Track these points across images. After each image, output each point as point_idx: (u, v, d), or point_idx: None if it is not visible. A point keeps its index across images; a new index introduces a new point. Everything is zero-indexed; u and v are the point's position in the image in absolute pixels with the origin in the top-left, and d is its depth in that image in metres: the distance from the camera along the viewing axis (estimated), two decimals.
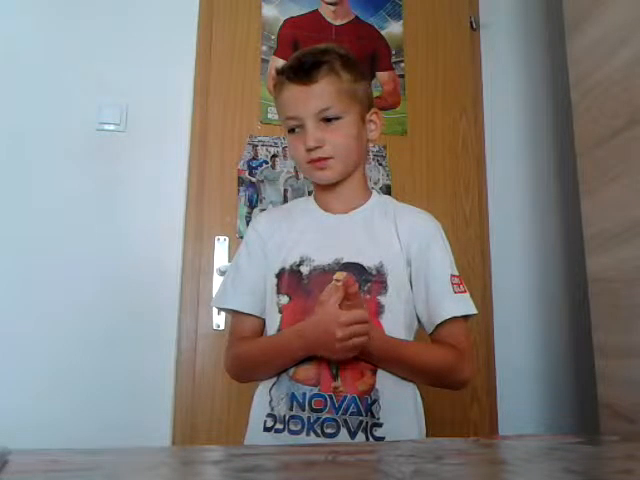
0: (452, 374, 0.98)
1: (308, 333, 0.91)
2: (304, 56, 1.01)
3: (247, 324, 1.04)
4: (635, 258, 1.31)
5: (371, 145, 1.08)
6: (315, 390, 0.93)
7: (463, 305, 0.99)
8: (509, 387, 1.81)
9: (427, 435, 1.00)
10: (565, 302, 1.93)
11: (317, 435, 0.91)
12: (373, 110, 1.05)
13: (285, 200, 1.75)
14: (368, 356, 0.92)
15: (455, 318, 0.97)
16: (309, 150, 0.98)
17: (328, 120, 0.98)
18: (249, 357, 1.02)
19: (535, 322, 1.92)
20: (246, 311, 1.04)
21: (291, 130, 1.01)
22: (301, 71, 0.99)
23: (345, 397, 0.92)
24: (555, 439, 0.71)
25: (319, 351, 0.91)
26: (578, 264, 1.58)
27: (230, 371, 1.06)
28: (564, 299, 1.93)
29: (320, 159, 0.99)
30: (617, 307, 1.35)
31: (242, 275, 1.06)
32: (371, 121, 1.05)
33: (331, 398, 0.92)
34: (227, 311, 1.11)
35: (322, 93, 0.97)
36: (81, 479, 0.47)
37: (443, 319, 0.97)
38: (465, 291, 1.01)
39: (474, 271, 1.85)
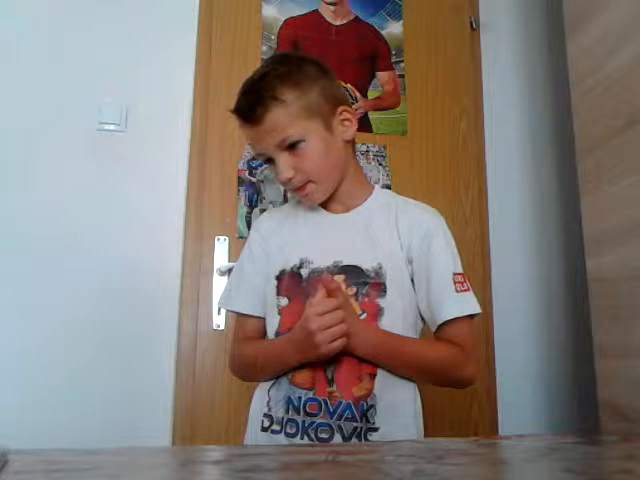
0: (454, 371, 0.96)
1: (295, 337, 0.90)
2: (244, 95, 0.97)
3: (250, 325, 1.05)
4: (635, 258, 1.31)
5: (347, 140, 1.00)
6: (310, 394, 0.93)
7: (465, 305, 0.97)
8: (509, 387, 1.81)
9: (426, 435, 0.99)
10: (565, 302, 1.93)
11: (311, 439, 0.91)
12: (341, 108, 0.99)
13: (285, 200, 1.75)
14: (363, 351, 0.91)
15: (458, 317, 0.95)
16: (285, 183, 0.97)
17: (293, 146, 0.94)
18: (250, 359, 1.02)
19: (535, 322, 1.92)
20: (249, 312, 1.05)
21: (267, 161, 0.99)
22: (245, 113, 0.95)
23: (340, 402, 0.91)
24: (555, 439, 0.71)
25: (307, 353, 0.89)
26: (578, 264, 1.58)
27: (234, 371, 1.07)
28: (564, 299, 1.93)
29: (299, 188, 0.98)
30: (617, 307, 1.36)
31: (245, 276, 1.06)
32: (343, 120, 0.99)
33: (325, 403, 0.91)
34: (231, 312, 1.12)
35: (273, 128, 0.93)
36: (81, 479, 0.47)
37: (444, 319, 0.95)
38: (468, 289, 0.98)
39: (474, 271, 1.85)
